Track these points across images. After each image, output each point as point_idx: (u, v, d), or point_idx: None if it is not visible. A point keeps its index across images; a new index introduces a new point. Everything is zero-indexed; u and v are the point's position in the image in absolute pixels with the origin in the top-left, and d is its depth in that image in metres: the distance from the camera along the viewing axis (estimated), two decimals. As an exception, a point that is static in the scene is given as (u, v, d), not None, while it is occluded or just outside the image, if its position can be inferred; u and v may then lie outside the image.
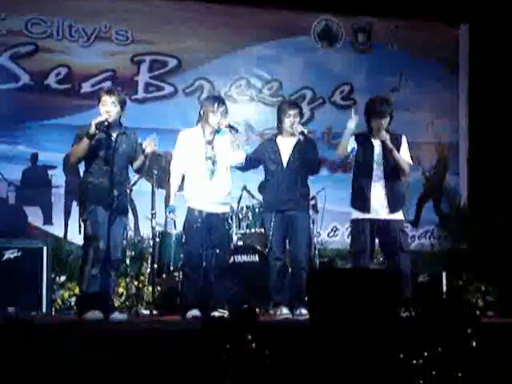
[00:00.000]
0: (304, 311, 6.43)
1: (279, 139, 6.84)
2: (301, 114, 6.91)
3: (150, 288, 7.47)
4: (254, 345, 4.13)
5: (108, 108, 6.15)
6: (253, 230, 7.72)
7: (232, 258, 7.27)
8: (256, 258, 7.50)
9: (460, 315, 4.45)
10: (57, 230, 8.69)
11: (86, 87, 8.98)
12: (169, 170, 6.68)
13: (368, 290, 4.73)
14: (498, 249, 8.57)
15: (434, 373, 4.12)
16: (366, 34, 10.02)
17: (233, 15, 9.52)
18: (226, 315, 6.13)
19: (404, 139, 6.68)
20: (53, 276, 7.51)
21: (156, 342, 4.58)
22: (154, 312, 7.17)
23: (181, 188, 6.57)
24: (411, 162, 6.71)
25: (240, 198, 7.77)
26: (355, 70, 9.96)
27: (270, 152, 6.77)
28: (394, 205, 6.54)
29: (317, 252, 8.05)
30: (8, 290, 6.83)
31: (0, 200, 8.69)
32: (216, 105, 6.51)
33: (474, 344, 4.25)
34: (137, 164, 6.36)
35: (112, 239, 6.17)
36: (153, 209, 7.46)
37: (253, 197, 7.62)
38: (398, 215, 6.59)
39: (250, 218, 7.74)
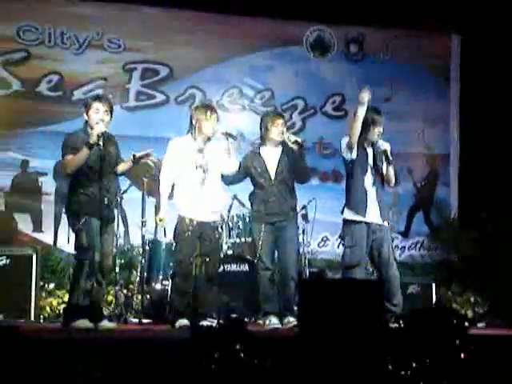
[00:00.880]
0: (292, 319, 6.42)
1: (264, 150, 6.82)
2: (286, 125, 6.93)
3: (140, 296, 7.46)
4: (242, 354, 4.12)
5: (102, 116, 6.13)
6: (243, 240, 7.71)
7: (222, 267, 7.26)
8: (246, 267, 7.50)
9: (449, 326, 4.44)
10: (46, 237, 8.67)
11: (78, 95, 8.98)
12: (159, 177, 6.66)
13: (357, 300, 4.73)
14: (488, 260, 8.58)
15: (422, 384, 4.11)
16: (359, 44, 10.05)
17: (225, 24, 9.54)
18: (214, 324, 6.12)
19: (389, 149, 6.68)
20: (42, 283, 7.48)
21: (145, 351, 4.57)
22: (143, 320, 7.16)
23: (170, 196, 6.56)
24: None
25: (230, 206, 7.77)
26: (347, 80, 9.98)
27: (257, 165, 6.75)
28: (384, 213, 6.54)
29: (307, 262, 8.04)
30: (-4, 296, 6.81)
31: (-11, 207, 8.67)
32: (209, 112, 6.51)
33: (462, 355, 4.24)
34: (122, 168, 6.33)
35: (104, 248, 6.16)
36: (143, 217, 7.47)
37: (243, 206, 7.61)
38: (386, 224, 6.60)
39: (241, 227, 7.72)
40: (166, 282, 7.31)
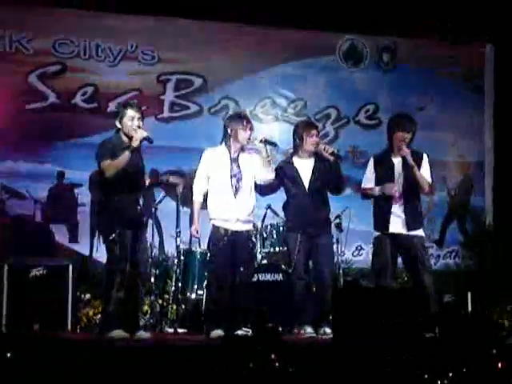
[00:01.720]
0: (328, 330, 6.41)
1: (296, 160, 6.83)
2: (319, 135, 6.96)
3: (175, 306, 7.49)
4: (277, 364, 4.13)
5: (137, 123, 6.16)
6: (277, 249, 7.70)
7: (256, 277, 7.27)
8: (280, 276, 7.48)
9: (485, 336, 4.42)
10: (82, 248, 8.73)
11: (113, 106, 9.03)
12: (192, 188, 6.67)
13: (392, 308, 4.72)
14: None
15: (458, 393, 4.09)
16: (391, 53, 10.03)
17: (258, 35, 9.58)
18: (249, 334, 6.13)
19: (425, 157, 6.63)
20: (78, 294, 7.53)
21: (180, 360, 4.59)
22: (179, 330, 7.18)
23: (204, 206, 6.58)
24: (431, 180, 6.65)
25: (264, 216, 7.77)
26: (380, 89, 9.97)
27: (290, 175, 6.76)
28: (411, 223, 6.49)
29: (341, 271, 8.03)
30: (34, 307, 6.86)
31: (27, 218, 8.75)
32: (244, 122, 6.54)
33: (499, 365, 4.22)
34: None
35: (140, 257, 6.19)
36: (177, 227, 7.50)
37: (277, 215, 7.61)
38: (420, 232, 6.55)
39: (274, 236, 7.71)
40: (201, 292, 7.32)
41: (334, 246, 7.67)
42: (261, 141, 6.64)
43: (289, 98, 9.74)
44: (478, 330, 4.48)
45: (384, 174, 6.55)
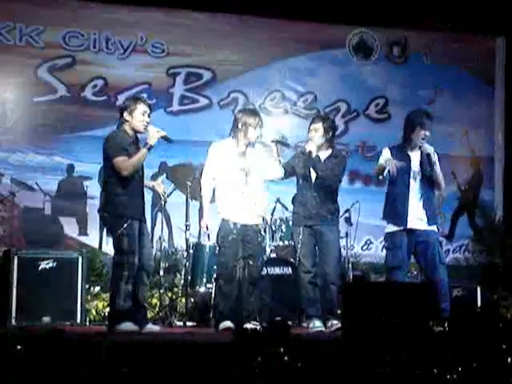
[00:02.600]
0: (335, 321, 6.40)
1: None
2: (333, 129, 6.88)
3: (184, 299, 7.50)
4: (286, 358, 4.12)
5: (148, 119, 6.16)
6: (286, 243, 7.71)
7: (265, 270, 7.27)
8: (289, 270, 7.49)
9: (495, 330, 4.41)
10: (92, 240, 8.76)
11: (122, 99, 9.03)
12: (200, 182, 6.66)
13: (402, 303, 4.71)
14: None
15: (468, 388, 4.08)
16: (401, 46, 10.01)
17: (268, 28, 9.57)
18: (258, 327, 6.13)
19: (436, 156, 6.60)
20: (87, 286, 7.55)
21: (188, 354, 4.59)
22: (188, 323, 7.19)
23: (212, 200, 6.58)
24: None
25: (273, 210, 7.77)
26: (390, 82, 9.96)
27: (301, 165, 6.73)
28: (431, 218, 6.47)
29: (350, 265, 8.02)
30: (43, 299, 6.88)
31: (36, 210, 8.77)
32: (257, 119, 6.50)
33: (508, 360, 4.20)
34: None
35: (145, 250, 6.18)
36: (187, 220, 7.51)
37: (286, 209, 7.61)
38: (435, 227, 6.54)
39: (284, 230, 7.72)
40: (210, 285, 7.34)
41: (344, 240, 7.67)
42: (273, 140, 6.63)
43: (298, 91, 9.73)
44: (487, 324, 4.46)
45: (401, 167, 6.50)
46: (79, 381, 3.98)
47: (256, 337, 4.26)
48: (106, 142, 6.16)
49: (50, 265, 7.07)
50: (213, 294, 7.12)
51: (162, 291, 7.62)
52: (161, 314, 7.45)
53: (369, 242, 9.54)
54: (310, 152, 6.57)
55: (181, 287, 7.72)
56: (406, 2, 9.34)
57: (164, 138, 6.13)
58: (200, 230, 7.40)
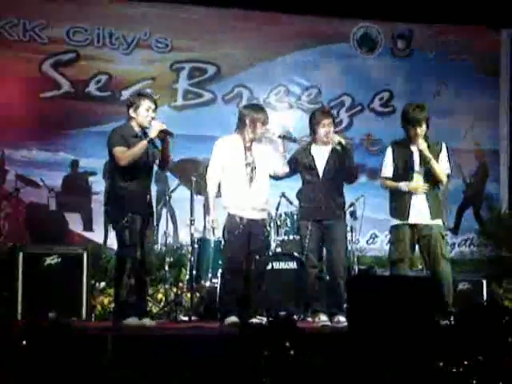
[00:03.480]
0: (342, 319, 6.40)
1: (313, 148, 6.80)
2: (334, 123, 6.91)
3: (189, 294, 7.50)
4: (292, 352, 4.12)
5: (152, 114, 6.18)
6: (291, 237, 7.71)
7: (270, 265, 7.27)
8: (294, 264, 7.48)
9: (500, 324, 4.40)
10: (97, 236, 8.77)
11: (126, 94, 9.02)
12: (206, 177, 6.66)
13: (407, 297, 4.71)
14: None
15: (474, 382, 4.07)
16: (406, 40, 9.99)
17: (272, 22, 9.55)
18: (264, 322, 6.14)
19: (444, 147, 6.56)
20: (92, 282, 7.55)
21: (194, 349, 4.60)
22: (193, 318, 7.19)
23: (218, 195, 6.57)
24: (449, 170, 6.58)
25: (278, 204, 7.77)
26: (395, 76, 9.95)
27: (306, 162, 6.74)
28: (434, 213, 6.45)
29: (355, 259, 8.02)
30: (48, 295, 6.88)
31: (41, 206, 8.78)
32: (264, 115, 6.49)
33: (514, 353, 4.20)
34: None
35: (146, 245, 6.20)
36: (192, 215, 7.51)
37: (291, 203, 7.60)
38: (438, 222, 6.52)
39: (289, 224, 7.72)
40: (215, 280, 7.34)
41: (349, 234, 7.66)
42: (279, 136, 6.63)
43: (303, 85, 9.72)
44: (493, 318, 4.46)
45: (403, 162, 6.49)
46: (85, 375, 3.99)
47: (261, 331, 4.26)
48: (109, 136, 6.22)
49: (55, 260, 7.08)
50: (218, 289, 7.12)
51: (167, 286, 7.62)
52: (166, 308, 7.46)
53: (374, 235, 9.54)
54: (340, 143, 6.61)
55: (186, 282, 7.72)
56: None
57: (164, 131, 6.14)
58: (205, 225, 7.40)
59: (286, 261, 7.51)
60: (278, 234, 7.72)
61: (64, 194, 8.87)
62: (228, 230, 6.49)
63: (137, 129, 6.19)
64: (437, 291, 6.06)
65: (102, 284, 7.91)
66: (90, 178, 8.95)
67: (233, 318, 6.31)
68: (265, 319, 6.22)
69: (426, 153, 6.38)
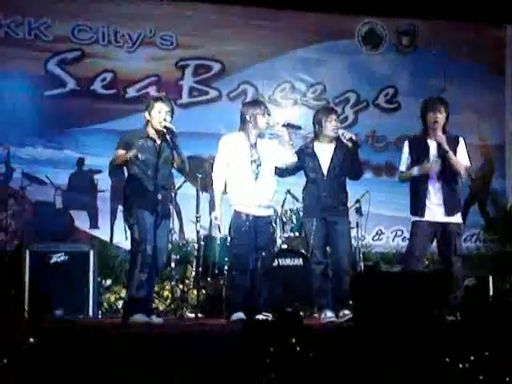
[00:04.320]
0: (348, 313, 6.41)
1: (316, 145, 6.80)
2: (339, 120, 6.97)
3: (195, 291, 7.52)
4: (298, 348, 4.13)
5: (164, 116, 6.22)
6: (297, 234, 7.73)
7: (276, 262, 7.28)
8: (300, 261, 7.51)
9: (507, 319, 4.41)
10: (103, 233, 8.78)
11: (131, 92, 9.08)
12: (212, 174, 6.68)
13: (413, 292, 4.71)
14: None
15: (481, 377, 4.08)
16: (410, 36, 9.98)
17: (276, 19, 9.55)
18: (270, 318, 6.15)
19: (461, 140, 6.56)
20: (99, 279, 7.57)
21: (200, 345, 4.61)
22: (199, 315, 7.21)
23: (224, 192, 6.59)
24: (469, 163, 6.60)
25: (284, 201, 7.78)
26: (399, 72, 9.94)
27: (309, 160, 6.74)
28: (451, 208, 6.45)
29: (361, 255, 8.02)
30: (55, 293, 6.90)
31: (47, 204, 8.79)
32: (263, 107, 6.56)
33: (521, 348, 4.20)
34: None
35: (158, 244, 6.22)
36: (197, 212, 7.52)
37: (297, 200, 7.61)
38: (456, 218, 6.52)
39: (294, 221, 7.74)
40: (222, 277, 7.36)
41: (354, 231, 7.67)
42: (283, 125, 6.65)
43: (308, 82, 9.71)
44: (499, 313, 4.46)
45: (419, 157, 6.50)
46: (90, 373, 4.00)
47: (268, 328, 4.27)
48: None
49: (62, 258, 7.10)
50: (224, 286, 7.14)
51: (173, 283, 7.64)
52: (172, 305, 7.47)
53: (380, 232, 9.53)
54: (352, 139, 6.62)
55: (192, 279, 7.75)
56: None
57: (166, 128, 6.17)
58: (211, 222, 7.41)
59: (291, 257, 7.54)
60: (283, 231, 7.74)
61: (70, 191, 8.88)
62: (234, 226, 6.51)
63: (151, 131, 6.27)
64: (444, 287, 6.06)
65: (109, 281, 7.94)
66: (96, 176, 8.95)
67: (239, 315, 6.33)
68: (271, 316, 6.24)
69: (444, 145, 6.39)
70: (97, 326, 6.16)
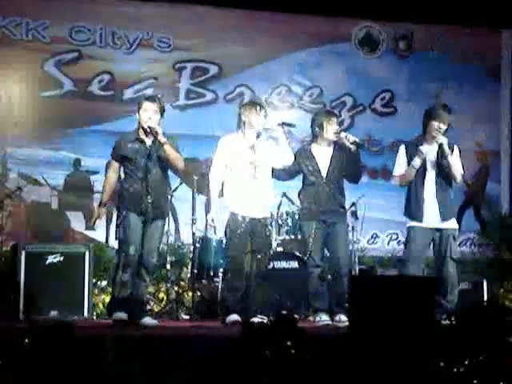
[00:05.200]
0: (344, 318, 6.42)
1: (314, 148, 6.81)
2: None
3: (191, 293, 7.52)
4: (293, 351, 4.14)
5: (150, 115, 6.21)
6: (292, 237, 7.73)
7: (271, 264, 7.29)
8: (295, 264, 7.51)
9: (501, 324, 4.41)
10: (98, 235, 8.77)
11: (128, 94, 9.09)
12: (209, 176, 6.68)
13: (408, 296, 4.72)
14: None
15: (475, 382, 4.09)
16: (407, 40, 10.00)
17: (274, 22, 9.56)
18: (265, 321, 6.15)
19: (456, 148, 6.61)
20: (94, 280, 7.57)
21: (195, 347, 4.61)
22: (194, 317, 7.21)
23: (220, 195, 6.59)
24: (462, 171, 6.64)
25: (280, 204, 7.79)
26: (396, 76, 9.96)
27: (308, 163, 6.75)
28: (446, 212, 6.49)
29: (357, 259, 8.04)
30: (51, 294, 6.90)
31: (43, 205, 8.79)
32: (258, 107, 6.55)
33: (515, 353, 4.21)
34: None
35: (146, 245, 6.23)
36: (193, 214, 7.53)
37: (292, 203, 7.63)
38: (451, 223, 6.55)
39: (290, 224, 7.74)
40: (217, 279, 7.36)
41: (350, 234, 7.68)
42: (278, 124, 6.66)
43: (304, 85, 9.73)
44: (493, 317, 4.47)
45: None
46: (86, 374, 4.00)
47: (263, 330, 4.28)
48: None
49: (58, 259, 7.09)
50: (219, 288, 7.14)
51: (168, 285, 7.65)
52: (167, 307, 7.48)
53: (375, 235, 9.54)
54: (356, 142, 6.64)
55: (187, 281, 7.75)
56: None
57: (150, 128, 6.19)
58: (207, 224, 7.41)
59: (287, 260, 7.54)
60: (279, 234, 7.75)
61: (66, 192, 8.89)
62: (230, 228, 6.51)
63: (141, 132, 6.29)
64: (439, 292, 6.09)
65: (104, 282, 7.93)
66: (92, 177, 8.95)
67: (234, 317, 6.33)
68: (266, 318, 6.24)
69: (446, 147, 6.42)
70: (91, 326, 6.16)
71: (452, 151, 6.54)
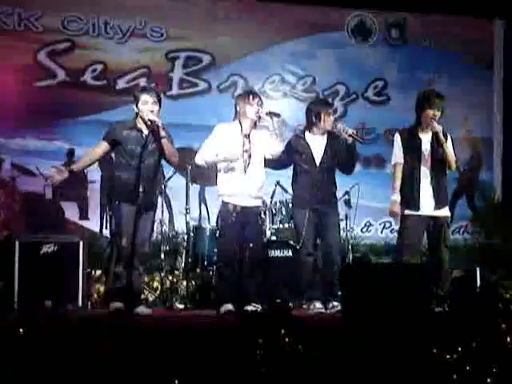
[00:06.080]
0: (337, 305, 6.44)
1: (308, 136, 6.80)
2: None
3: (185, 282, 7.53)
4: (287, 339, 4.16)
5: (151, 107, 6.21)
6: (286, 225, 7.74)
7: (265, 253, 7.30)
8: (289, 252, 7.52)
9: (494, 310, 4.44)
10: (93, 224, 8.79)
11: (122, 83, 9.08)
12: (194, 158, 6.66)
13: (401, 284, 4.74)
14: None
15: (468, 368, 4.11)
16: (400, 29, 10.01)
17: (266, 11, 9.56)
18: (259, 310, 6.17)
19: (449, 136, 6.64)
20: (89, 270, 7.57)
21: (190, 337, 4.62)
22: (189, 306, 7.23)
23: (213, 183, 6.59)
24: (455, 159, 6.67)
25: (273, 192, 7.79)
26: (389, 65, 9.97)
27: (301, 151, 6.75)
28: (440, 200, 6.53)
29: (350, 247, 8.05)
30: (45, 283, 6.90)
31: (37, 195, 8.79)
32: (251, 96, 6.54)
33: (508, 339, 4.24)
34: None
35: (139, 234, 6.23)
36: (187, 204, 7.53)
37: (286, 192, 7.63)
38: (445, 211, 6.59)
39: (283, 212, 7.75)
40: (211, 268, 7.38)
41: (343, 223, 7.69)
42: (266, 113, 6.65)
43: (297, 74, 9.74)
44: (486, 305, 4.50)
45: (410, 150, 6.54)
46: (82, 363, 4.02)
47: (257, 319, 4.29)
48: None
49: (52, 249, 7.08)
50: (214, 277, 7.15)
51: (162, 274, 7.65)
52: (162, 296, 7.49)
53: (368, 223, 9.57)
54: (354, 134, 6.64)
55: (182, 270, 7.75)
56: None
57: (151, 121, 6.19)
58: (200, 214, 7.43)
59: (280, 249, 7.54)
60: (272, 223, 7.75)
61: (60, 182, 8.87)
62: (222, 217, 6.53)
63: (140, 122, 6.27)
64: (432, 279, 6.11)
65: (98, 272, 7.92)
66: (86, 167, 8.94)
67: (228, 306, 6.35)
68: (260, 307, 6.27)
69: (441, 135, 6.45)
70: (86, 316, 6.17)
71: (445, 139, 6.57)
